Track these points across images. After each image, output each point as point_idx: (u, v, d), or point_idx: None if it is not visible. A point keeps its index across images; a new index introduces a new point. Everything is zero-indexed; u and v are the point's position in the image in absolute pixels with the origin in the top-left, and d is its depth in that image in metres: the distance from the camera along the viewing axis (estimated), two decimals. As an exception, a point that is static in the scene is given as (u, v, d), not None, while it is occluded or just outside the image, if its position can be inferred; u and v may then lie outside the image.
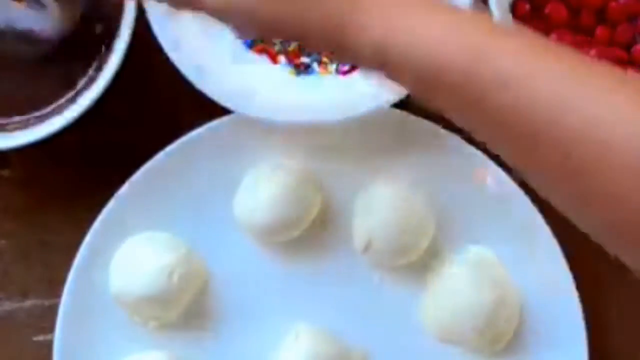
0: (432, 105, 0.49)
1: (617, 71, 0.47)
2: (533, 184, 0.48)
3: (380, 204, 0.68)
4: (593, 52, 0.69)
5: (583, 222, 0.46)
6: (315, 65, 0.70)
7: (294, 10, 0.49)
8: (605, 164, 0.43)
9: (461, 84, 0.46)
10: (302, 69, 0.70)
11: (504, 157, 0.48)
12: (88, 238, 0.68)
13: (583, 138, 0.43)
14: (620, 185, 0.43)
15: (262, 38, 0.68)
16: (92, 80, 0.68)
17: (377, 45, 0.47)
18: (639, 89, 0.44)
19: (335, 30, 0.48)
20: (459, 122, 0.49)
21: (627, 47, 0.70)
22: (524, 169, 0.47)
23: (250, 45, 0.70)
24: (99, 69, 0.68)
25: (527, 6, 0.70)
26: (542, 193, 0.47)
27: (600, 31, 0.70)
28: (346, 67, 0.70)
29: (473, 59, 0.45)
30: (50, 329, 0.68)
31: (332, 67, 0.70)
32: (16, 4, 0.66)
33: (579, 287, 0.67)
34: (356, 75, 0.69)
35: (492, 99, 0.45)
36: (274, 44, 0.70)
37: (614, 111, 0.43)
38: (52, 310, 0.68)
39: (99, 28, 0.68)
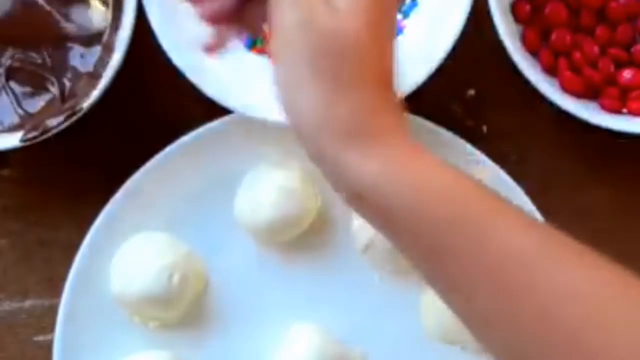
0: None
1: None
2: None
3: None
4: (595, 49, 0.70)
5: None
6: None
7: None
8: None
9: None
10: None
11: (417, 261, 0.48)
12: (88, 238, 0.68)
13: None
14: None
15: None
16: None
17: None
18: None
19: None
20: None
21: (627, 47, 0.70)
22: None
23: (251, 45, 0.70)
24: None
25: (527, 6, 0.70)
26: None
27: (600, 31, 0.70)
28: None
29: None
30: (50, 329, 0.68)
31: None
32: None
33: (579, 287, 0.67)
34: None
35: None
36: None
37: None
38: (52, 310, 0.68)
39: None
